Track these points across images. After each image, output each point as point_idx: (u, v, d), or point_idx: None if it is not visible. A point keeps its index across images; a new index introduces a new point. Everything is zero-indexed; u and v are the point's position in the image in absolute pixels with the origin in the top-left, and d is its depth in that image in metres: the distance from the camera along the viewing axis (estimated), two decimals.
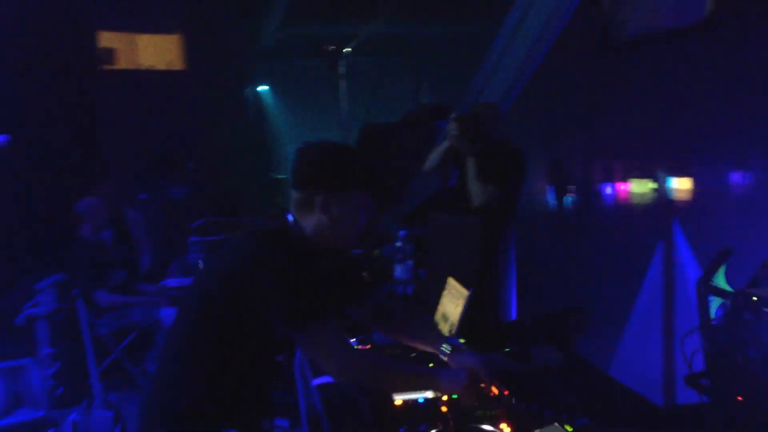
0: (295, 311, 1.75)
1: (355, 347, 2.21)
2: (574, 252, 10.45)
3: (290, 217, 1.93)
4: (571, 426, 1.58)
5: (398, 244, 3.42)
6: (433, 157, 4.19)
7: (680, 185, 21.80)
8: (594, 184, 22.82)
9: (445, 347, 2.04)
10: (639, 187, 22.65)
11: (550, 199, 18.33)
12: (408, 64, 12.65)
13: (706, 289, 2.21)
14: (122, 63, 13.64)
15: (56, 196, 5.44)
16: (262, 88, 18.29)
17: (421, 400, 1.85)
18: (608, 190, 23.62)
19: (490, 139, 3.96)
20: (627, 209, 18.95)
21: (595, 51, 9.87)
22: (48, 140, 6.54)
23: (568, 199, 16.64)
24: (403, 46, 15.23)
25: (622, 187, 23.37)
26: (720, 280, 2.33)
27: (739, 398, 1.79)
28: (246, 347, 1.86)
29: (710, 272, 2.31)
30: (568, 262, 10.15)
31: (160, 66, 14.02)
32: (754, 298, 1.73)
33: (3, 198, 5.26)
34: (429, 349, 2.10)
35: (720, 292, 2.00)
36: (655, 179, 22.15)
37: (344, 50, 7.82)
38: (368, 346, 2.35)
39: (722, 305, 2.03)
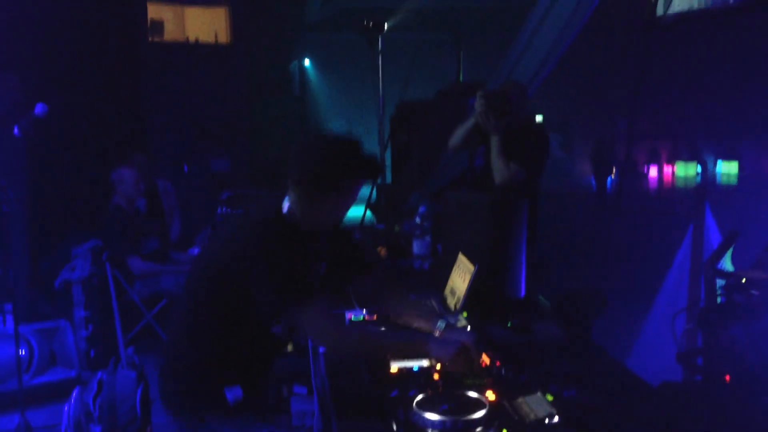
0: (285, 298, 1.92)
1: (356, 317, 2.34)
2: (610, 233, 10.35)
3: (285, 204, 2.07)
4: (552, 396, 1.63)
5: (417, 220, 3.47)
6: (459, 134, 4.21)
7: (725, 169, 21.22)
8: (636, 165, 22.42)
9: (440, 324, 2.12)
10: (682, 170, 22.11)
11: (593, 179, 18.12)
12: (449, 39, 12.57)
13: (713, 271, 2.22)
14: (169, 35, 13.87)
15: (97, 164, 5.61)
16: (306, 62, 18.40)
17: (415, 369, 1.92)
18: (651, 171, 23.13)
19: (515, 118, 3.97)
20: (667, 192, 18.61)
21: (641, 30, 9.66)
22: (92, 110, 6.72)
23: (610, 179, 16.43)
24: (444, 21, 15.15)
25: (665, 169, 22.88)
26: (727, 263, 2.34)
27: (727, 377, 1.81)
28: (241, 319, 2.04)
29: (717, 255, 2.31)
30: (603, 243, 10.06)
31: (207, 39, 14.21)
32: (743, 280, 1.74)
33: (44, 165, 5.45)
34: (424, 327, 2.17)
35: (723, 274, 2.02)
36: (699, 162, 21.60)
37: (384, 26, 7.82)
38: (374, 317, 2.42)
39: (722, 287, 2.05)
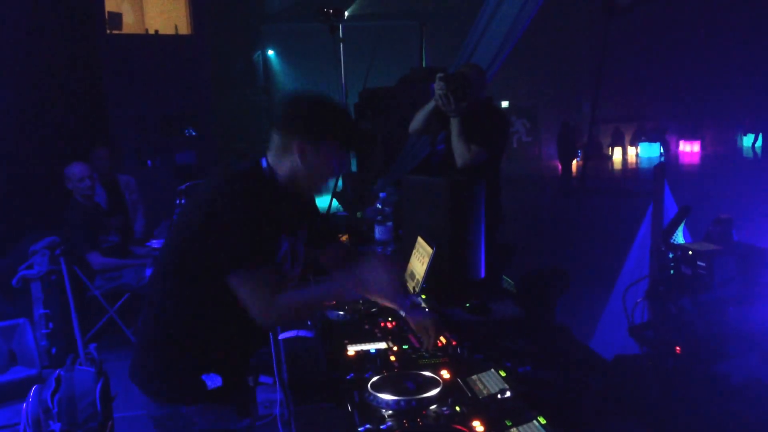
0: (234, 251, 1.82)
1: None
2: (574, 214, 10.47)
3: (264, 161, 1.99)
4: (506, 372, 1.64)
5: (378, 206, 3.47)
6: (419, 118, 4.21)
7: (687, 149, 21.53)
8: (601, 147, 22.68)
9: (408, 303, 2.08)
10: (645, 151, 22.42)
11: (558, 162, 18.30)
12: (411, 26, 12.56)
13: (665, 245, 2.25)
14: (128, 27, 13.65)
15: (56, 159, 5.51)
16: (270, 52, 18.26)
17: (372, 351, 1.93)
18: (615, 153, 23.41)
19: (474, 100, 4.00)
20: (631, 173, 18.85)
21: (601, 13, 9.75)
22: (52, 103, 6.60)
23: (575, 162, 16.62)
24: (405, 7, 15.15)
25: (628, 150, 23.16)
26: (679, 237, 2.38)
27: (677, 349, 1.84)
28: (214, 291, 1.92)
29: (669, 230, 2.34)
30: (568, 224, 10.19)
31: (167, 31, 14.02)
32: (690, 252, 1.77)
33: (1, 161, 5.34)
34: (388, 304, 2.14)
35: (672, 248, 2.05)
36: (661, 143, 21.89)
37: (344, 13, 7.79)
38: (334, 302, 2.41)
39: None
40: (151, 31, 13.92)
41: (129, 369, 2.12)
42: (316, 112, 1.95)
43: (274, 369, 2.60)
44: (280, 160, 1.96)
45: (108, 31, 12.79)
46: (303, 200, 2.10)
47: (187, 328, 2.00)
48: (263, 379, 4.11)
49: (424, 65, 8.73)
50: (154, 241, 4.85)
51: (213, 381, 2.02)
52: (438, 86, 3.95)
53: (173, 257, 1.99)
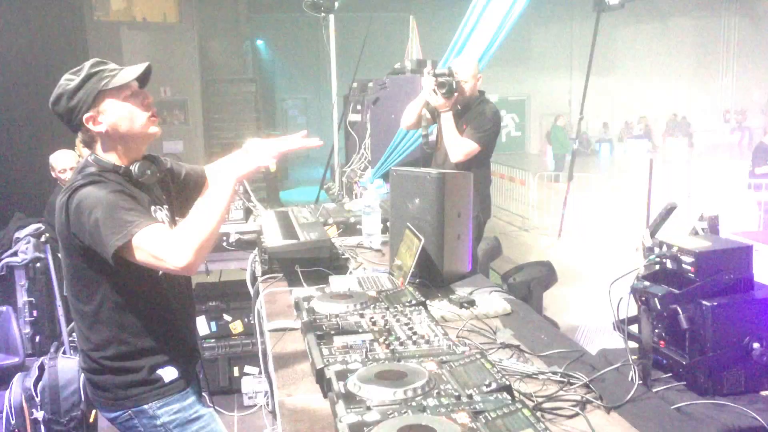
0: (112, 239, 1.81)
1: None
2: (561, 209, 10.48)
3: (90, 157, 2.04)
4: (491, 364, 1.65)
5: (366, 197, 3.46)
6: (410, 112, 4.22)
7: (675, 145, 21.69)
8: (589, 143, 22.71)
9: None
10: (633, 147, 22.48)
11: (549, 157, 18.35)
12: (402, 17, 12.53)
13: (651, 240, 2.26)
14: (116, 14, 13.52)
15: (42, 145, 5.47)
16: (259, 42, 18.16)
17: (359, 342, 1.92)
18: (603, 149, 23.47)
19: (466, 93, 4.02)
20: (619, 168, 18.90)
21: (592, 10, 9.78)
22: (36, 90, 6.54)
23: (566, 157, 16.68)
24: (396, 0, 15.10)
25: (616, 146, 23.24)
26: (664, 233, 2.39)
27: (662, 343, 1.86)
28: (113, 277, 1.96)
29: (656, 226, 2.35)
30: (554, 219, 10.23)
31: (155, 18, 13.89)
32: (675, 248, 1.79)
33: None
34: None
35: (657, 243, 2.06)
36: (650, 139, 22.00)
37: (335, 4, 7.75)
38: (321, 293, 2.41)
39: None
40: (139, 19, 13.79)
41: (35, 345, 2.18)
42: (69, 91, 1.96)
43: (260, 360, 2.61)
44: (95, 147, 2.03)
45: (95, 17, 12.67)
46: (146, 172, 2.08)
47: (123, 323, 2.02)
48: (249, 369, 4.13)
49: (414, 57, 8.71)
50: None
51: (169, 374, 2.07)
52: (426, 81, 3.96)
53: (72, 270, 2.02)
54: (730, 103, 23.71)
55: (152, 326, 2.06)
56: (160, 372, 2.05)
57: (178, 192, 2.32)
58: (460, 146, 3.89)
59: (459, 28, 4.96)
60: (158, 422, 2.05)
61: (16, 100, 6.57)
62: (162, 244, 1.81)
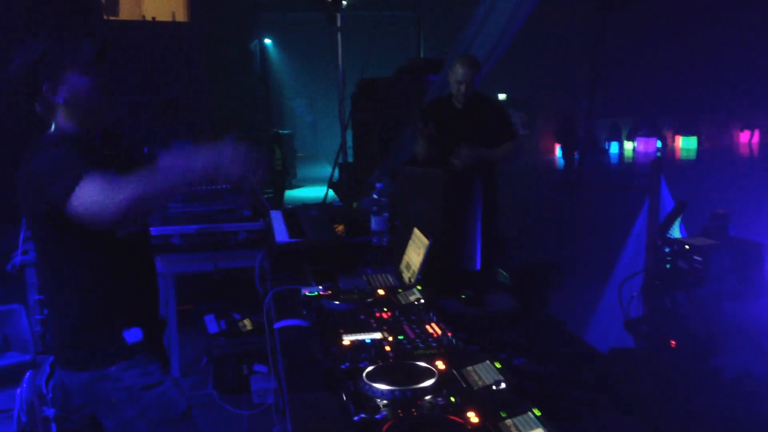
0: (56, 188, 1.86)
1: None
2: (569, 208, 10.49)
3: (50, 129, 2.09)
4: (501, 363, 1.64)
5: (374, 196, 3.46)
6: (421, 148, 4.34)
7: (684, 144, 21.61)
8: (599, 142, 22.68)
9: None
10: (642, 146, 22.45)
11: (558, 156, 18.29)
12: (408, 16, 12.52)
13: (662, 239, 2.26)
14: (125, 14, 13.57)
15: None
16: (267, 41, 18.18)
17: (368, 341, 1.92)
18: (612, 147, 23.42)
19: (471, 96, 4.14)
20: (627, 167, 18.89)
21: (600, 8, 9.73)
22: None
23: (575, 156, 16.63)
24: None
25: (625, 145, 23.19)
26: (675, 232, 2.38)
27: (672, 343, 1.85)
28: (77, 238, 2.00)
29: (666, 224, 2.35)
30: (563, 218, 10.20)
31: (164, 17, 13.93)
32: (687, 247, 1.77)
33: None
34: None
35: (669, 242, 2.05)
36: (659, 137, 21.94)
37: (342, 2, 7.76)
38: (330, 292, 2.41)
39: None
40: (148, 18, 13.83)
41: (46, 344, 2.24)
42: (29, 62, 1.99)
43: (269, 358, 2.61)
44: (55, 120, 2.07)
45: (105, 17, 12.71)
46: (108, 146, 2.18)
47: (87, 286, 2.08)
48: (258, 367, 4.13)
49: (421, 56, 8.71)
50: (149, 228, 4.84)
51: (133, 335, 2.10)
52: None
53: (37, 235, 2.10)
54: None
55: (115, 286, 2.12)
56: (125, 333, 2.09)
57: None
58: (515, 152, 4.26)
59: (466, 26, 4.96)
60: (121, 386, 2.09)
61: (23, 100, 6.60)
62: (99, 191, 1.82)
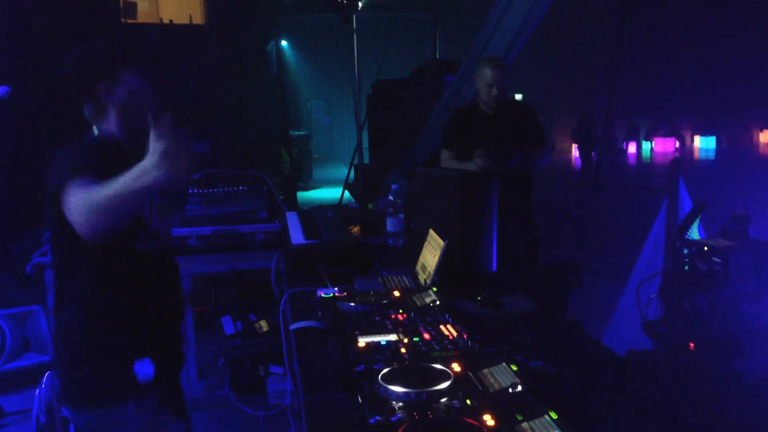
0: (52, 179, 1.79)
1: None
2: (587, 209, 10.43)
3: (94, 131, 2.01)
4: (517, 366, 1.63)
5: (390, 197, 3.46)
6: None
7: (703, 144, 21.42)
8: (616, 141, 22.54)
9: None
10: (662, 146, 22.28)
11: (576, 155, 18.18)
12: (424, 17, 12.51)
13: (680, 240, 2.23)
14: (143, 16, 13.67)
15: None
16: (283, 43, 18.25)
17: (383, 343, 1.92)
18: (630, 148, 23.26)
19: (503, 101, 4.22)
20: (645, 167, 18.75)
21: (618, 8, 9.69)
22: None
23: (593, 156, 16.52)
24: None
25: (643, 145, 23.03)
26: (694, 233, 2.36)
27: (691, 345, 1.83)
28: (91, 256, 1.88)
29: (684, 225, 2.32)
30: (580, 219, 10.14)
31: (182, 20, 14.02)
32: (705, 248, 1.75)
33: (16, 146, 5.37)
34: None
35: (688, 243, 2.03)
36: (677, 138, 21.76)
37: (358, 4, 7.77)
38: (345, 294, 2.41)
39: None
40: (166, 21, 13.94)
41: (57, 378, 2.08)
42: (85, 57, 1.95)
43: (285, 359, 2.61)
44: (103, 120, 1.99)
45: (123, 20, 12.81)
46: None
47: (100, 310, 1.94)
48: (274, 369, 4.14)
49: (437, 57, 8.69)
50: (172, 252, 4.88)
51: (145, 369, 1.92)
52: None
53: (54, 243, 1.99)
54: None
55: (133, 312, 1.97)
56: (136, 365, 1.92)
57: None
58: (543, 157, 4.32)
59: (482, 26, 4.94)
60: (126, 429, 1.93)
61: (46, 104, 6.66)
62: (77, 197, 1.70)
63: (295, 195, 12.58)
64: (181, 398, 2.18)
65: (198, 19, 14.35)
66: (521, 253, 4.27)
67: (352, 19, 7.92)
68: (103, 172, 1.75)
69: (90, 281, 1.93)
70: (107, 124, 1.99)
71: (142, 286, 2.02)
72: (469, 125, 4.25)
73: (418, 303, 2.26)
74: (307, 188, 14.46)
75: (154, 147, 1.60)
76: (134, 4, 13.53)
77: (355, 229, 3.54)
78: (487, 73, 4.10)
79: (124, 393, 1.91)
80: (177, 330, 2.19)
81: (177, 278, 2.24)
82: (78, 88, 1.96)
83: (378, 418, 1.44)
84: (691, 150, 22.30)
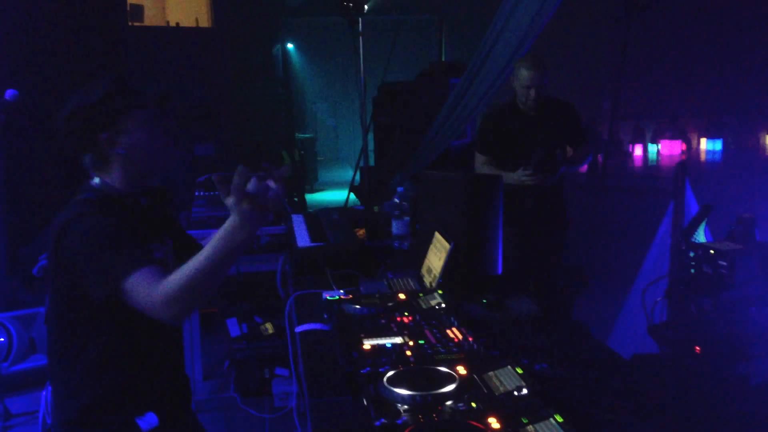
0: (104, 277, 1.68)
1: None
2: (592, 211, 10.40)
3: (95, 181, 1.90)
4: (522, 369, 1.63)
5: (396, 200, 3.46)
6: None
7: (709, 147, 21.33)
8: (621, 144, 22.48)
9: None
10: (668, 148, 22.20)
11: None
12: (430, 19, 12.52)
13: (686, 243, 2.23)
14: (150, 20, 13.72)
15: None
16: (289, 46, 18.28)
17: (388, 345, 1.92)
18: (636, 150, 23.19)
19: (545, 100, 4.14)
20: (651, 170, 18.70)
21: (624, 9, 9.65)
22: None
23: (599, 159, 16.49)
24: (425, 1, 15.10)
25: (649, 147, 22.96)
26: (700, 236, 2.35)
27: (697, 349, 1.82)
28: (99, 317, 1.81)
29: (690, 228, 2.32)
30: (586, 222, 10.11)
31: (188, 23, 14.07)
32: (711, 252, 1.75)
33: (28, 151, 5.40)
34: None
35: (693, 246, 2.02)
36: (683, 140, 21.67)
37: (364, 6, 7.78)
38: (351, 296, 2.41)
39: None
40: (172, 24, 14.00)
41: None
42: (89, 106, 1.83)
43: (290, 362, 2.62)
44: (107, 172, 1.88)
45: (129, 24, 12.87)
46: (154, 204, 2.00)
47: (101, 363, 1.84)
48: (280, 371, 4.15)
49: (443, 59, 8.70)
50: None
51: (147, 423, 1.86)
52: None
53: (56, 303, 1.86)
54: None
55: (136, 369, 1.89)
56: (138, 420, 1.85)
57: (178, 236, 2.17)
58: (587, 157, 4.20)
59: (489, 29, 4.92)
60: None
61: (53, 108, 6.69)
62: (148, 292, 1.63)
63: (303, 197, 12.60)
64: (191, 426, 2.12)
65: (204, 22, 14.41)
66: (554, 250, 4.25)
67: (358, 21, 7.93)
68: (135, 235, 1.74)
69: (99, 345, 1.84)
70: (110, 175, 1.89)
71: (151, 336, 1.93)
72: (505, 127, 4.06)
73: (424, 306, 2.26)
74: (312, 191, 14.47)
75: (235, 208, 1.52)
76: (141, 7, 13.58)
77: (361, 232, 3.55)
78: (523, 75, 3.91)
79: None
80: (181, 381, 2.10)
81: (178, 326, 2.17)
82: (78, 138, 1.85)
83: (383, 420, 1.44)
84: (698, 153, 22.24)
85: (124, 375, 1.87)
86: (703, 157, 21.44)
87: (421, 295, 2.37)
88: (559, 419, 1.39)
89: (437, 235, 2.67)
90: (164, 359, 2.00)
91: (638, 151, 22.65)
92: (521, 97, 3.95)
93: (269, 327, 4.39)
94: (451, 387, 1.56)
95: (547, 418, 1.40)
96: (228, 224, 1.56)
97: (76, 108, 1.84)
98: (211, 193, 4.00)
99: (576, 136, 4.15)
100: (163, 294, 1.60)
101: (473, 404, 1.51)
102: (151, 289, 1.62)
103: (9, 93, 3.50)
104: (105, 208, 1.80)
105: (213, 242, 1.59)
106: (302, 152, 13.77)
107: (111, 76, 1.89)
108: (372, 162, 7.76)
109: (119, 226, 1.75)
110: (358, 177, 8.16)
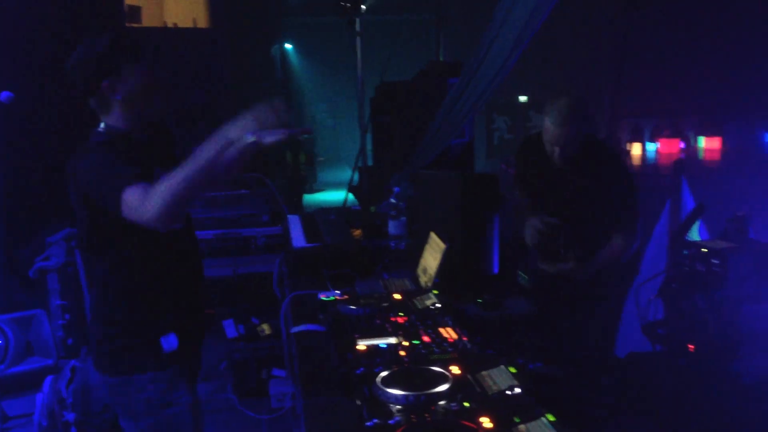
0: (110, 188, 1.90)
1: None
2: None
3: (100, 126, 2.12)
4: (516, 368, 1.63)
5: (392, 200, 3.46)
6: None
7: (708, 145, 21.38)
8: (619, 142, 22.46)
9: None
10: (667, 147, 22.25)
11: None
12: (428, 19, 12.51)
13: (680, 242, 2.23)
14: (147, 20, 13.71)
15: (73, 151, 5.55)
16: (288, 46, 18.27)
17: (383, 346, 1.92)
18: (634, 149, 23.23)
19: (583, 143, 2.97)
20: (649, 168, 18.69)
21: (624, 6, 9.66)
22: (68, 96, 6.64)
23: None
24: (423, 1, 15.10)
25: (647, 146, 22.97)
26: (693, 234, 2.36)
27: (691, 347, 1.83)
28: (123, 246, 2.06)
29: (684, 227, 2.32)
30: None
31: (186, 24, 14.06)
32: (704, 250, 1.75)
33: (20, 153, 5.39)
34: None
35: (687, 245, 2.03)
36: (682, 139, 21.73)
37: (362, 7, 7.78)
38: (346, 297, 2.41)
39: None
40: (170, 25, 13.98)
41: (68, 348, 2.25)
42: (89, 57, 2.04)
43: (286, 362, 2.62)
44: (109, 115, 2.11)
45: (127, 25, 12.85)
46: (155, 138, 2.22)
47: (127, 291, 2.11)
48: (277, 372, 4.14)
49: (441, 59, 8.69)
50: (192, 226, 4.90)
51: (170, 343, 2.11)
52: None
53: (82, 234, 2.11)
54: None
55: (155, 287, 2.14)
56: (162, 340, 2.10)
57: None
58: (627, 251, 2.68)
59: (487, 28, 4.91)
60: (142, 396, 2.10)
61: (51, 108, 6.69)
62: (141, 199, 1.83)
63: (302, 197, 12.57)
64: (197, 371, 2.33)
65: (202, 22, 14.40)
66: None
67: (356, 21, 7.92)
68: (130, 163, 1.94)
69: (125, 265, 2.09)
70: (112, 117, 2.10)
71: (172, 263, 2.18)
72: (536, 167, 3.17)
73: (419, 306, 2.26)
74: (311, 191, 14.46)
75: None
76: (138, 8, 13.57)
77: (357, 232, 3.55)
78: (548, 128, 2.91)
79: (146, 364, 2.10)
80: (199, 301, 2.34)
81: (197, 250, 2.38)
82: (83, 83, 2.07)
83: (376, 420, 1.44)
84: (696, 151, 22.22)
85: (148, 300, 2.12)
86: (701, 155, 21.44)
87: (416, 295, 2.37)
88: (551, 418, 1.39)
89: (432, 235, 2.67)
90: (184, 288, 2.23)
91: (637, 149, 22.64)
92: (548, 149, 3.00)
93: (266, 328, 4.38)
94: (444, 387, 1.57)
95: (538, 417, 1.40)
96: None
97: (79, 59, 2.06)
98: (208, 193, 4.00)
99: (623, 213, 2.83)
100: (153, 194, 1.80)
101: (466, 404, 1.51)
102: (144, 196, 1.82)
103: (4, 95, 3.50)
104: (110, 146, 2.04)
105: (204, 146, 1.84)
106: (308, 154, 13.78)
107: (112, 31, 2.12)
108: (370, 162, 7.75)
109: (118, 153, 1.99)
110: (356, 177, 8.16)
